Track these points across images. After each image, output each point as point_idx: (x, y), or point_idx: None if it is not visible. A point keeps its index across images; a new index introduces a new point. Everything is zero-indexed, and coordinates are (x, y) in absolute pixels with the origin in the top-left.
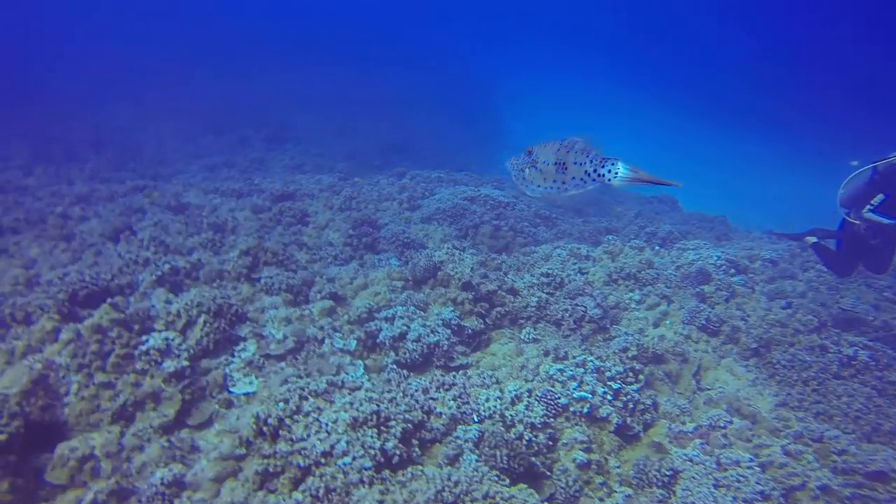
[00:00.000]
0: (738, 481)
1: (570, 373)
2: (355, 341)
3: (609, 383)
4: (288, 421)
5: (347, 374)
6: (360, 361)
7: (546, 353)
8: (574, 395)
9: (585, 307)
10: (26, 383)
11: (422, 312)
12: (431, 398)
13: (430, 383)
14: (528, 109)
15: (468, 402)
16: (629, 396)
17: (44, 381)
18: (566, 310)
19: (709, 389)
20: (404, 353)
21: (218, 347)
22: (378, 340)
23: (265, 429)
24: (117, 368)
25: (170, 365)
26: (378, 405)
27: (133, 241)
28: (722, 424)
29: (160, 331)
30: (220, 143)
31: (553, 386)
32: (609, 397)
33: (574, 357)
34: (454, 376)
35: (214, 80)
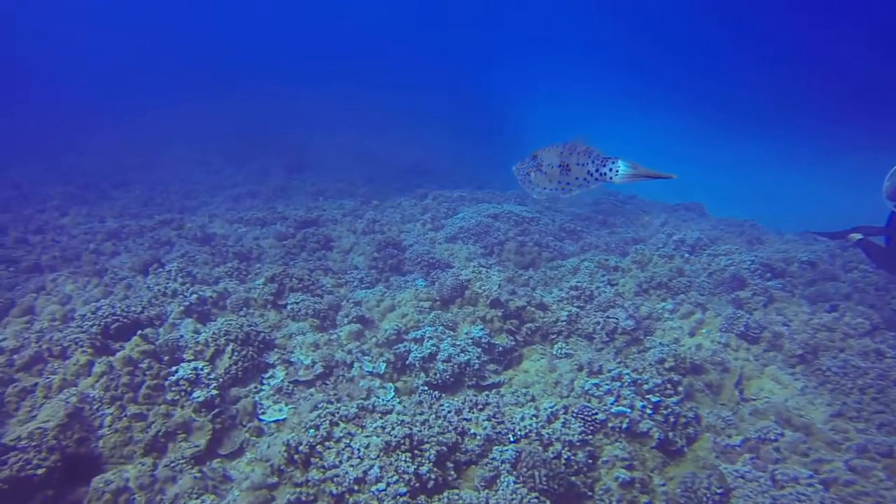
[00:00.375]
0: (800, 500)
1: (607, 387)
2: (384, 364)
3: (647, 396)
4: (319, 448)
5: (378, 397)
6: (390, 384)
7: (580, 368)
8: (612, 410)
9: (617, 319)
10: (62, 417)
11: (451, 332)
12: (465, 419)
13: (462, 404)
14: (549, 124)
15: (503, 422)
16: (669, 409)
17: (79, 414)
18: (597, 322)
19: (754, 400)
20: (435, 374)
21: (247, 375)
22: (408, 362)
23: (296, 456)
24: (148, 399)
25: (199, 395)
26: (410, 428)
27: (161, 273)
28: (773, 437)
29: (189, 360)
30: (242, 173)
31: (589, 401)
32: (648, 411)
33: (609, 371)
34: (487, 395)
35: (233, 112)
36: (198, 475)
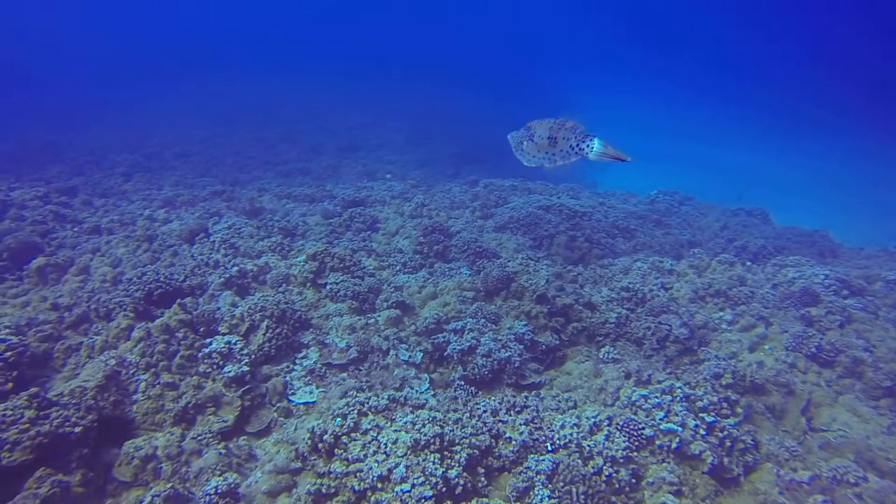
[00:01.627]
0: None
1: (656, 400)
2: (421, 353)
3: (701, 415)
4: (345, 438)
5: (412, 388)
6: (425, 375)
7: (627, 376)
8: (661, 427)
9: (670, 326)
10: (101, 378)
11: (493, 325)
12: (501, 421)
13: (499, 404)
14: (605, 123)
15: (541, 428)
16: (726, 432)
17: (116, 377)
18: (648, 328)
19: (824, 431)
20: (473, 369)
21: (280, 353)
22: (445, 354)
23: (321, 445)
24: (181, 369)
25: (230, 370)
26: (442, 427)
27: (206, 243)
28: (852, 480)
29: (223, 334)
30: (295, 150)
31: (636, 414)
32: (702, 432)
33: (659, 382)
34: (526, 397)
35: (293, 93)
36: (223, 451)
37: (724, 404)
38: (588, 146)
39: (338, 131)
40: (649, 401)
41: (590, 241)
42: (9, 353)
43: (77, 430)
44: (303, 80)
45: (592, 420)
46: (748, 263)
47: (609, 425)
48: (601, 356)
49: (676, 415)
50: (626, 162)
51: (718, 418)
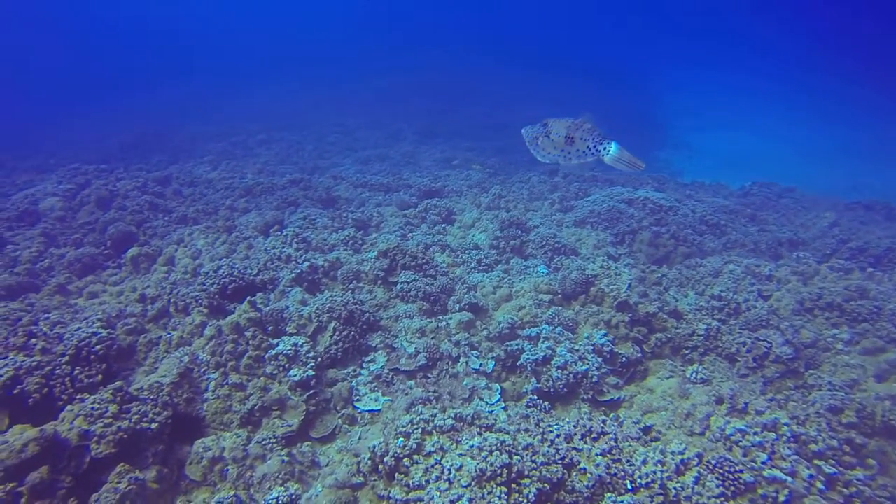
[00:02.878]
0: None
1: (757, 438)
2: (493, 362)
3: (817, 462)
4: (406, 461)
5: (482, 399)
6: (497, 385)
7: (719, 401)
8: (763, 473)
9: (770, 343)
10: (175, 376)
11: (570, 334)
12: (576, 448)
13: (574, 428)
14: (695, 107)
15: (620, 460)
16: (854, 488)
17: (189, 374)
18: (743, 343)
19: None
20: (547, 381)
21: (346, 357)
22: (519, 363)
23: (381, 467)
24: (249, 370)
25: (296, 373)
26: (511, 455)
27: (279, 237)
28: None
29: (291, 334)
30: (374, 136)
31: (731, 451)
32: (819, 485)
33: (759, 412)
34: (604, 421)
35: (373, 78)
36: (286, 458)
37: (848, 449)
38: (605, 149)
39: (416, 117)
40: (748, 437)
41: (675, 238)
42: (99, 347)
43: (153, 426)
44: (380, 64)
45: (680, 457)
46: (869, 270)
47: (699, 464)
48: (689, 375)
49: (784, 459)
50: (640, 170)
51: (841, 469)
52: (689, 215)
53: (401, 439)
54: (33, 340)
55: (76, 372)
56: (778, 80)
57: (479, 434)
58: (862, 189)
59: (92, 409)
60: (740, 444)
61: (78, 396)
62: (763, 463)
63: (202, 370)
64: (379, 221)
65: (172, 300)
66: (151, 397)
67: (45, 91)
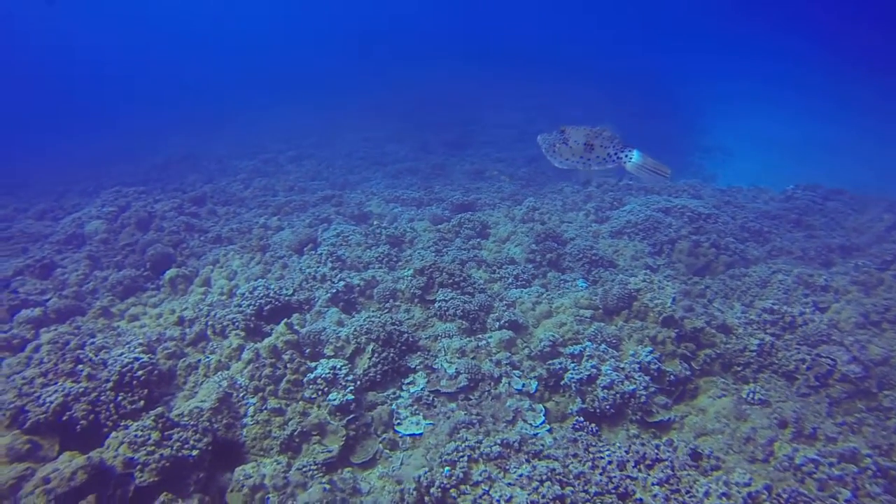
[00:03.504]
0: None
1: (835, 471)
2: (536, 382)
3: None
4: (454, 492)
5: (527, 421)
6: (540, 406)
7: (782, 424)
8: None
9: (835, 360)
10: (215, 401)
11: (614, 351)
12: (630, 477)
13: (627, 453)
14: (733, 111)
15: (679, 490)
16: None
17: (228, 399)
18: (802, 360)
19: None
20: (593, 401)
21: (385, 379)
22: (563, 382)
23: (427, 498)
24: (288, 394)
25: (335, 397)
26: (562, 486)
27: (314, 256)
28: None
29: (329, 357)
30: (403, 149)
31: (805, 485)
32: None
33: (830, 439)
34: (658, 447)
35: (399, 89)
36: (328, 486)
37: None
38: (627, 156)
39: (444, 128)
40: (822, 468)
41: (716, 247)
42: (141, 372)
43: (195, 453)
44: (408, 75)
45: (746, 489)
46: None
47: (769, 498)
48: (745, 395)
49: (873, 499)
50: (665, 177)
51: None
52: (729, 222)
53: (447, 468)
54: (80, 366)
55: (120, 398)
56: (803, 80)
57: (528, 462)
58: None
59: (135, 436)
60: (814, 475)
61: (122, 423)
62: (847, 501)
63: (241, 395)
64: (413, 237)
65: (210, 323)
66: (192, 423)
67: (70, 118)
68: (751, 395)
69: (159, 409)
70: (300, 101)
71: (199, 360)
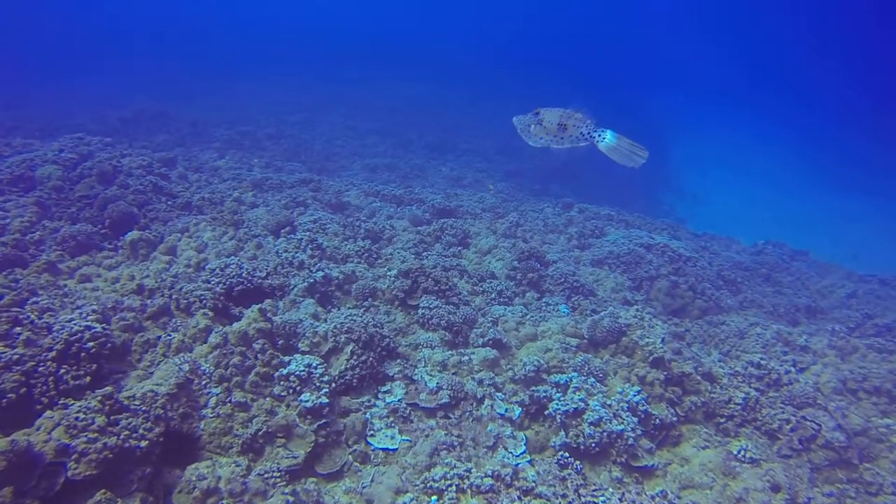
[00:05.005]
0: None
1: None
2: (520, 409)
3: None
4: None
5: (507, 448)
6: (521, 434)
7: (775, 488)
8: None
9: (820, 425)
10: (172, 386)
11: (601, 386)
12: None
13: (620, 503)
14: (708, 159)
15: None
16: None
17: (188, 386)
18: (787, 420)
19: None
20: (577, 437)
21: (362, 385)
22: (547, 413)
23: None
24: (255, 388)
25: (308, 398)
26: None
27: (292, 240)
28: None
29: (304, 352)
30: (384, 144)
31: None
32: None
33: None
34: (653, 497)
35: (390, 84)
36: (291, 498)
37: None
38: (600, 136)
39: (428, 130)
40: None
41: (693, 291)
42: (92, 344)
43: (143, 444)
44: (400, 72)
45: None
46: None
47: None
48: (735, 453)
49: None
50: (643, 159)
51: None
52: (706, 268)
53: (433, 497)
54: (17, 329)
55: (62, 371)
56: (778, 141)
57: (520, 499)
58: (862, 260)
59: (76, 419)
60: None
61: (61, 401)
62: None
63: (203, 382)
64: (391, 235)
65: (174, 296)
66: (143, 408)
67: (45, 52)
68: (742, 453)
69: (108, 389)
70: (287, 74)
71: (160, 338)
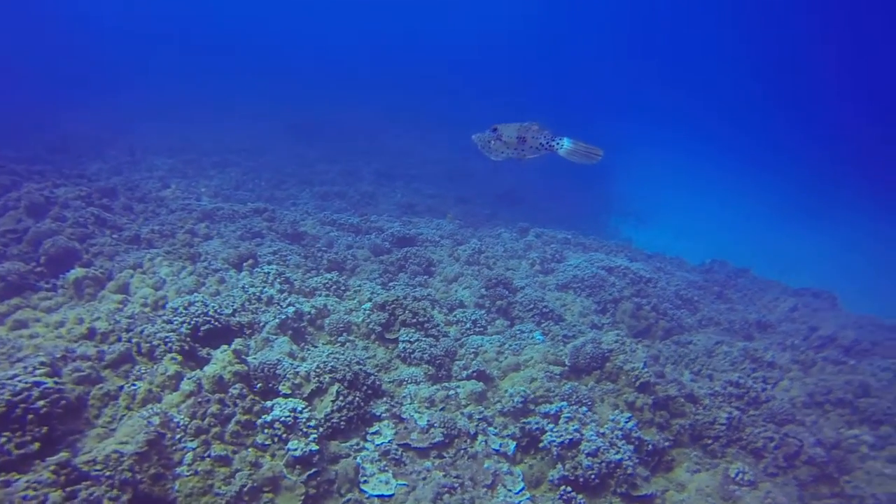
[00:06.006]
0: None
1: None
2: (514, 443)
3: None
4: None
5: (506, 486)
6: (518, 470)
7: None
8: None
9: (801, 441)
10: (142, 444)
11: (592, 414)
12: None
13: None
14: (642, 174)
15: None
16: None
17: (159, 441)
18: (770, 438)
19: None
20: (575, 468)
21: (350, 427)
22: (542, 445)
23: None
24: (236, 438)
25: (296, 446)
26: None
27: (258, 274)
28: None
29: (285, 395)
30: (333, 171)
31: None
32: None
33: None
34: None
35: (335, 110)
36: None
37: None
38: (558, 143)
39: (376, 156)
40: None
41: (656, 311)
42: (42, 403)
43: None
44: (349, 97)
45: None
46: (851, 363)
47: None
48: (732, 476)
49: None
50: (599, 158)
51: None
52: (666, 289)
53: None
54: None
55: (3, 440)
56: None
57: None
58: (790, 274)
59: (24, 497)
60: None
61: (2, 477)
62: None
63: (177, 436)
64: (354, 265)
65: (135, 340)
66: (107, 474)
67: None
68: (740, 476)
69: (63, 455)
70: (237, 105)
71: (122, 388)
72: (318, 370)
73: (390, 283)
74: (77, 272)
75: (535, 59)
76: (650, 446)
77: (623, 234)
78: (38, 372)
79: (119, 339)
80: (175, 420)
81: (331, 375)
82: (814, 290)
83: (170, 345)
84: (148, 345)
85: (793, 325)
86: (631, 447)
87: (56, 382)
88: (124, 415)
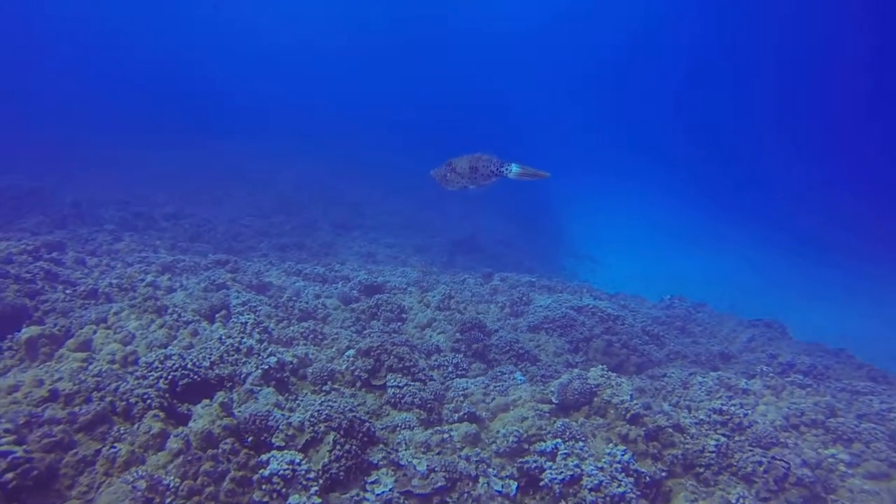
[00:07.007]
0: None
1: None
2: (515, 483)
3: None
4: None
5: None
6: None
7: None
8: None
9: (788, 463)
10: None
11: (589, 449)
12: None
13: None
14: (589, 215)
15: None
16: None
17: None
18: (759, 462)
19: None
20: None
21: (348, 477)
22: (542, 484)
23: None
24: (232, 497)
25: (297, 501)
26: None
27: (234, 324)
28: None
29: (279, 447)
30: (290, 223)
31: None
32: None
33: None
34: None
35: (290, 162)
36: None
37: None
38: (507, 169)
39: (333, 206)
40: None
41: (627, 347)
42: (10, 476)
43: None
44: (303, 146)
45: None
46: (814, 386)
47: None
48: (733, 500)
49: None
50: (546, 177)
51: None
52: (633, 325)
53: None
54: None
55: None
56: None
57: None
58: (738, 307)
59: None
60: None
61: None
62: None
63: (167, 500)
64: (325, 314)
65: (109, 399)
66: None
67: None
68: (740, 502)
69: None
70: (185, 148)
71: (98, 453)
72: (312, 419)
73: (365, 331)
74: (30, 331)
75: (478, 117)
76: (647, 478)
77: (581, 276)
78: (3, 440)
79: (89, 400)
80: (164, 482)
81: (326, 424)
82: (766, 320)
83: (149, 401)
84: (124, 403)
85: (753, 354)
86: (631, 479)
87: (25, 452)
88: (102, 482)
